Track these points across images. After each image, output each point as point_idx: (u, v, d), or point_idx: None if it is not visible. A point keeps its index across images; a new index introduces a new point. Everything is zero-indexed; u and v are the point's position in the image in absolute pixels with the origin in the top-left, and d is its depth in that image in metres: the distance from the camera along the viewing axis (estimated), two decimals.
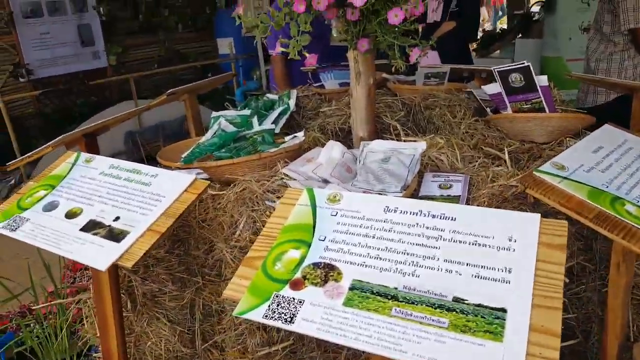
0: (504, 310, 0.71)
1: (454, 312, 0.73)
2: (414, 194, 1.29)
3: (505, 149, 1.52)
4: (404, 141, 1.63)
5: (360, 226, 0.92)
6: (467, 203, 1.20)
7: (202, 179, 1.49)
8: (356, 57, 1.67)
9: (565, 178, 1.00)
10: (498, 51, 5.40)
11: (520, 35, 5.25)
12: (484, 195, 1.21)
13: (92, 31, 5.21)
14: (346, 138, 1.98)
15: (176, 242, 1.36)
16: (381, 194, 1.20)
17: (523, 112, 1.52)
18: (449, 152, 1.51)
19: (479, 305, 0.73)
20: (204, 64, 6.76)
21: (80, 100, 5.26)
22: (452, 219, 0.87)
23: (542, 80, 1.44)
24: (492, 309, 0.72)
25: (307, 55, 1.49)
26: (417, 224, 0.88)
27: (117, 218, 1.06)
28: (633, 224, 0.89)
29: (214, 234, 1.27)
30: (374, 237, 0.89)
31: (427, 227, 0.87)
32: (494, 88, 1.55)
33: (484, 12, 9.93)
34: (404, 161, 1.29)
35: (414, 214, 0.90)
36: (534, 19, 5.33)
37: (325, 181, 1.30)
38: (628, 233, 0.87)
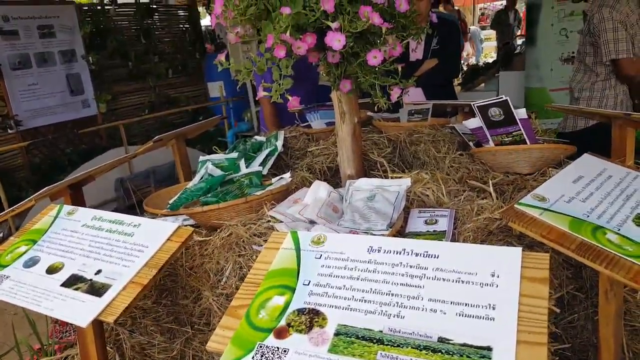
0: (489, 349, 0.70)
1: (440, 353, 0.71)
2: (401, 231, 1.29)
3: (490, 182, 1.54)
4: (391, 177, 1.64)
5: (344, 268, 0.91)
6: (453, 238, 1.20)
7: (189, 225, 1.49)
8: (340, 98, 1.71)
9: (546, 209, 1.01)
10: (483, 84, 5.54)
11: (503, 68, 5.41)
12: (469, 229, 1.22)
13: (81, 80, 5.30)
14: (335, 176, 2.00)
15: (163, 292, 1.34)
16: (367, 233, 1.20)
17: (505, 144, 1.55)
18: (434, 187, 1.53)
19: (464, 345, 0.72)
20: (195, 108, 6.87)
21: (69, 149, 5.28)
22: (435, 257, 0.87)
23: (520, 113, 1.47)
24: (477, 347, 0.70)
25: (289, 98, 1.53)
26: (401, 263, 0.88)
27: (99, 271, 1.04)
28: (615, 252, 0.89)
29: (200, 282, 1.26)
30: (358, 279, 0.88)
31: (411, 266, 0.87)
32: (475, 122, 1.59)
33: (468, 47, 10.27)
34: (389, 198, 1.30)
35: (397, 253, 0.90)
36: (515, 52, 5.52)
37: (312, 222, 1.31)
38: (611, 262, 0.87)
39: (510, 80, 5.27)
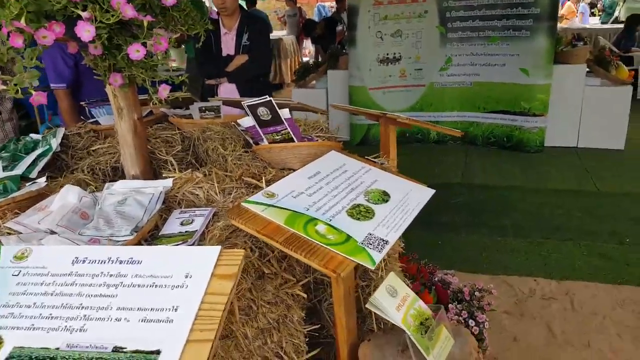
0: (158, 353, 0.70)
1: None
2: (155, 234, 1.25)
3: (263, 178, 1.59)
4: (174, 177, 1.59)
5: (42, 284, 0.84)
6: (202, 237, 1.21)
7: None
8: (114, 92, 1.61)
9: (270, 205, 1.07)
10: (314, 81, 5.81)
11: (330, 67, 5.73)
12: (219, 227, 1.23)
13: None
14: (122, 177, 1.88)
15: None
16: (110, 240, 1.14)
17: (276, 142, 1.61)
18: (207, 185, 1.52)
19: (135, 352, 0.71)
20: None
21: None
22: (138, 263, 0.85)
23: (285, 113, 1.54)
24: (147, 353, 0.70)
25: (32, 92, 1.37)
26: (102, 272, 0.84)
27: None
28: (317, 242, 0.98)
29: None
30: (52, 294, 0.82)
31: (111, 275, 0.83)
32: (249, 121, 1.62)
33: (310, 45, 10.70)
34: (141, 201, 1.25)
35: (102, 262, 0.86)
36: (342, 52, 5.88)
37: (54, 232, 1.19)
38: (310, 251, 0.95)
39: (337, 78, 5.61)
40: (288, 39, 9.48)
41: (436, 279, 2.32)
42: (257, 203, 1.06)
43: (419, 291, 2.17)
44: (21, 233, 1.21)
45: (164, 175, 1.57)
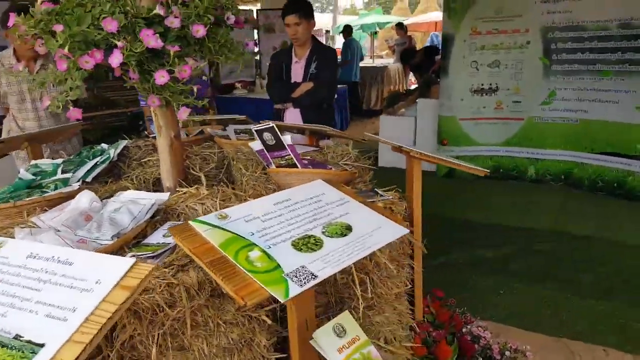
0: (42, 345, 0.80)
1: (5, 348, 0.81)
2: (140, 241, 1.38)
3: None
4: (181, 192, 1.72)
5: None
6: (172, 250, 1.30)
7: None
8: (155, 112, 1.82)
9: (215, 227, 1.12)
10: (403, 109, 5.75)
11: (421, 95, 5.63)
12: None
13: None
14: (162, 189, 2.09)
15: None
16: (95, 242, 1.30)
17: (281, 167, 1.67)
18: (210, 202, 1.63)
19: (28, 342, 0.81)
20: (132, 111, 6.96)
21: None
22: (70, 264, 0.97)
23: (287, 139, 1.60)
24: (35, 344, 0.80)
25: (70, 107, 1.61)
26: (42, 269, 0.97)
27: None
28: (240, 267, 1.01)
29: None
30: (0, 282, 0.97)
31: (47, 272, 0.96)
32: (258, 145, 1.71)
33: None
34: (132, 210, 1.39)
35: (47, 259, 1.00)
36: (438, 80, 5.75)
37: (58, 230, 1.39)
38: (229, 275, 0.99)
39: (427, 107, 5.47)
40: (394, 67, 9.53)
41: (465, 330, 2.14)
42: (204, 223, 1.13)
43: (439, 340, 2.02)
44: (38, 227, 1.43)
45: (177, 189, 1.73)
